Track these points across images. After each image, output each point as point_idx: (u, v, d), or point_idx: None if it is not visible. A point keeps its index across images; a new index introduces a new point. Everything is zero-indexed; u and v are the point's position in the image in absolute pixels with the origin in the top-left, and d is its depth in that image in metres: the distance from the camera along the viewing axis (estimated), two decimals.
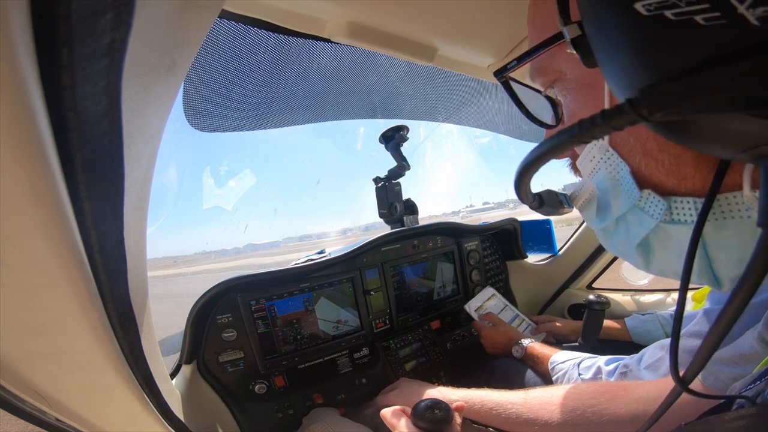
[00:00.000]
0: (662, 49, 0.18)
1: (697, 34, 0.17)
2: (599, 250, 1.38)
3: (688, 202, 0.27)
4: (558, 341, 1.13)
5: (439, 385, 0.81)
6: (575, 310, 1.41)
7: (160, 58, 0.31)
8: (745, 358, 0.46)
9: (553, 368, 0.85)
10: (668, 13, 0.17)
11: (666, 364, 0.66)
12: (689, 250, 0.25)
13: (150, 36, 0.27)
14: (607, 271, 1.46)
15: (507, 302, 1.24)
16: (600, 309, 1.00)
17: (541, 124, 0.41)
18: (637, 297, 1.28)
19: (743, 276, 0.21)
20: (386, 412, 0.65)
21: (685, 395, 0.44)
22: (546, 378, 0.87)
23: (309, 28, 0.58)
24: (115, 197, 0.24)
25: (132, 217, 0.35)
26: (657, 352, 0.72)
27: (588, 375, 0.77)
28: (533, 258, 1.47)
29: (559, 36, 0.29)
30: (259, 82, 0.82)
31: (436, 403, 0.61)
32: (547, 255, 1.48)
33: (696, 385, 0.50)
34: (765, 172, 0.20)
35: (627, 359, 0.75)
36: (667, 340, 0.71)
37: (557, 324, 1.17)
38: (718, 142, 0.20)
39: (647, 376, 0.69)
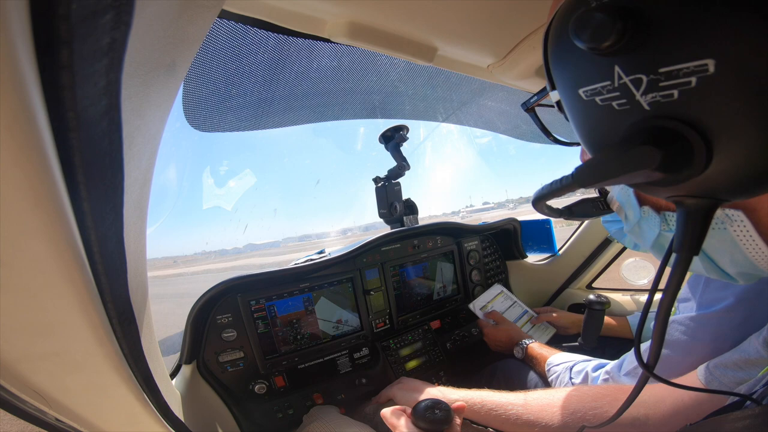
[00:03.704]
0: (595, 128, 0.24)
1: (615, 118, 0.22)
2: (599, 250, 1.38)
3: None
4: (561, 338, 1.14)
5: (439, 384, 0.81)
6: (575, 310, 1.41)
7: (159, 57, 0.31)
8: (750, 363, 0.47)
9: (549, 370, 0.87)
10: (597, 100, 0.22)
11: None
12: (665, 255, 0.28)
13: (150, 36, 0.27)
14: (607, 271, 1.46)
15: (515, 299, 1.24)
16: (600, 309, 1.00)
17: (569, 144, 0.49)
18: (637, 297, 1.28)
19: (664, 290, 0.26)
20: (386, 412, 0.65)
21: (693, 397, 0.46)
22: (546, 380, 0.87)
23: (309, 28, 0.58)
24: (115, 197, 0.24)
25: (132, 217, 0.35)
26: (634, 359, 0.71)
27: (578, 380, 0.80)
28: (533, 258, 1.47)
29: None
30: (259, 82, 0.82)
31: (436, 403, 0.61)
32: (547, 255, 1.48)
33: (696, 385, 0.50)
34: (677, 214, 0.25)
35: (609, 366, 0.77)
36: (642, 345, 0.73)
37: (553, 315, 1.20)
38: (650, 194, 0.26)
39: (628, 383, 0.71)
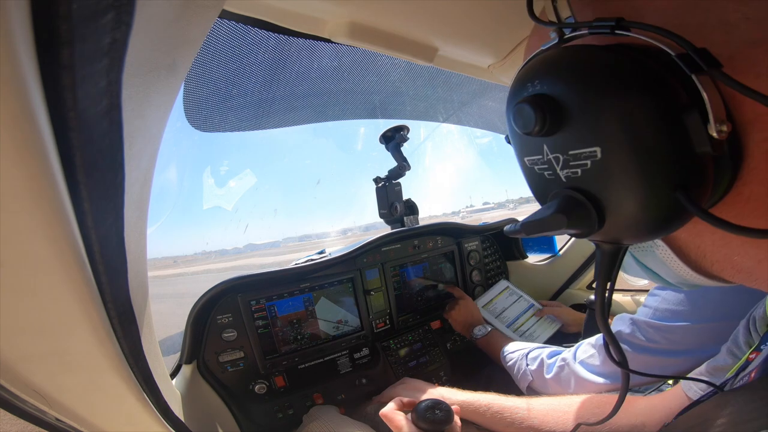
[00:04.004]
0: (535, 190, 0.31)
1: (546, 184, 0.28)
2: None
3: None
4: (562, 337, 1.16)
5: (438, 385, 0.81)
6: (576, 310, 1.41)
7: (160, 58, 0.31)
8: (719, 369, 0.52)
9: (504, 357, 0.93)
10: (536, 168, 0.29)
11: (597, 359, 0.77)
12: (603, 274, 0.32)
13: (150, 36, 0.27)
14: None
15: (522, 293, 1.25)
16: None
17: None
18: (637, 297, 1.28)
19: (596, 278, 0.32)
20: (386, 409, 0.65)
21: (679, 403, 0.53)
22: (544, 386, 0.88)
23: (309, 28, 0.58)
24: (116, 197, 0.24)
25: (132, 217, 0.35)
26: (588, 348, 0.80)
27: (534, 366, 0.85)
28: (533, 258, 1.47)
29: None
30: (259, 82, 0.82)
31: (437, 404, 0.61)
32: (548, 255, 1.48)
33: (682, 397, 0.55)
34: (596, 253, 0.31)
35: (564, 353, 0.83)
36: (594, 338, 0.81)
37: (557, 308, 1.22)
38: (579, 238, 0.30)
39: (581, 369, 0.78)
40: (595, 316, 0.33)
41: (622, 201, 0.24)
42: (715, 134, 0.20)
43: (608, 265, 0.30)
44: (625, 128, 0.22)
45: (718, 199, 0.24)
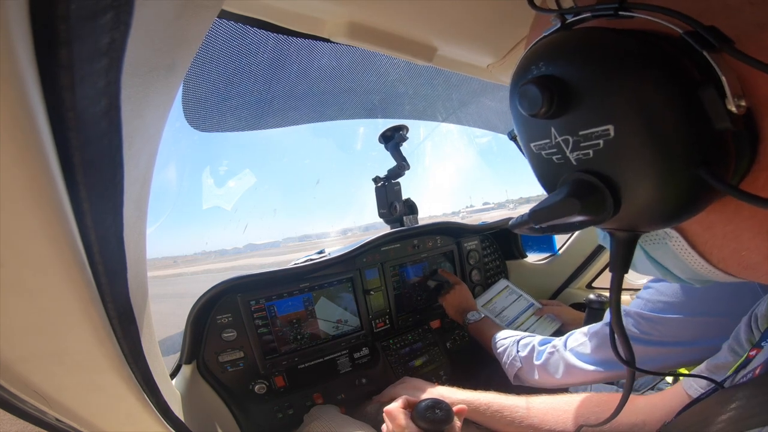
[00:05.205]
0: (543, 177, 0.29)
1: (555, 169, 0.27)
2: (598, 250, 1.38)
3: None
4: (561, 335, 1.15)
5: (438, 384, 0.82)
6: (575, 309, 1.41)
7: (159, 57, 0.31)
8: (720, 367, 0.52)
9: (495, 343, 0.93)
10: (543, 153, 0.28)
11: (588, 348, 0.77)
12: (618, 264, 0.31)
13: (149, 36, 0.27)
14: (606, 271, 1.46)
15: (521, 292, 1.25)
16: (599, 308, 1.00)
17: None
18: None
19: (609, 304, 0.32)
20: (391, 406, 0.66)
21: (680, 401, 0.53)
22: (532, 373, 0.88)
23: (308, 28, 0.58)
24: (115, 197, 0.24)
25: (132, 216, 0.35)
26: (579, 337, 0.80)
27: (524, 352, 0.86)
28: (533, 257, 1.47)
29: None
30: (259, 82, 0.82)
31: (437, 403, 0.61)
32: (547, 254, 1.48)
33: (682, 395, 0.55)
34: (609, 242, 0.30)
35: (556, 341, 0.84)
36: (587, 327, 0.81)
37: (557, 307, 1.22)
38: (593, 225, 0.29)
39: (570, 356, 0.79)
40: (610, 311, 0.32)
41: (639, 181, 0.23)
42: (734, 108, 0.19)
43: (624, 257, 0.29)
44: (640, 103, 0.21)
45: (736, 184, 0.23)
